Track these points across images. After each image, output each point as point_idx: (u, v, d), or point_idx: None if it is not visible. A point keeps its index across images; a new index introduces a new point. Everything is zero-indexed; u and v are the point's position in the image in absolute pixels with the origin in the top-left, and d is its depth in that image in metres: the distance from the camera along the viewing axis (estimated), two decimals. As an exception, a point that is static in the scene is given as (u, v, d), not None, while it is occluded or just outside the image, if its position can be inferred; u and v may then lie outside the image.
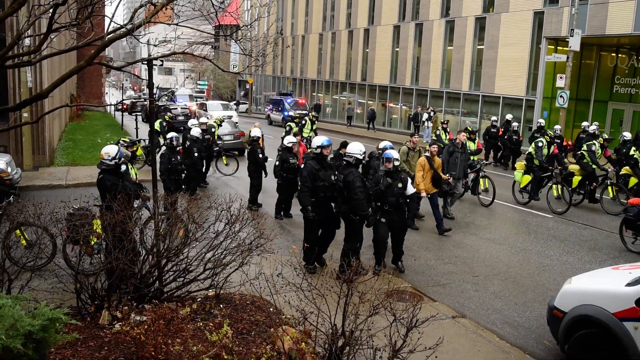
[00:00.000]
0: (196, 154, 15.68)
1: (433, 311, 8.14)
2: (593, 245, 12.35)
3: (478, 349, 7.33)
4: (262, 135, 15.92)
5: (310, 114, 25.14)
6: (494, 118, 24.77)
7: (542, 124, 22.28)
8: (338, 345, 5.28)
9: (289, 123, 22.48)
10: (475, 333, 7.80)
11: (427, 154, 12.98)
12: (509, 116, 24.46)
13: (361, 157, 9.83)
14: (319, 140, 10.01)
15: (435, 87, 35.76)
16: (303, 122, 23.56)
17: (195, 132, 16.30)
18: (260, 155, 14.62)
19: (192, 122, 18.99)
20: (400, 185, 9.76)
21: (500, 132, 23.25)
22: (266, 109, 46.04)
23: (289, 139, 14.14)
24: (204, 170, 17.52)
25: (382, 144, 12.21)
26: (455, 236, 12.66)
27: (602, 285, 7.02)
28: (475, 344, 7.47)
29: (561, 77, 24.69)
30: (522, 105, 29.37)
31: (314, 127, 23.81)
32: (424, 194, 12.34)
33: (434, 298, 9.00)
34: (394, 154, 9.98)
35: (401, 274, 9.98)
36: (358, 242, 9.78)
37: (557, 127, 21.38)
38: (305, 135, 21.39)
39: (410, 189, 9.95)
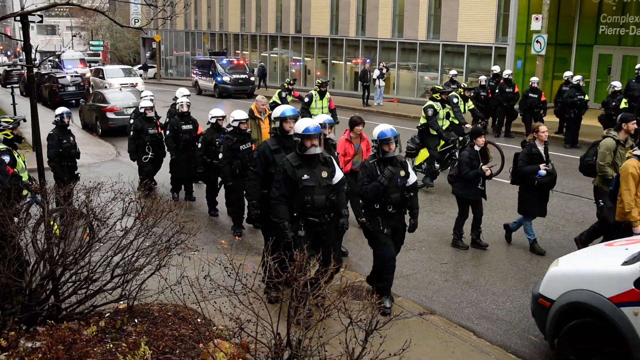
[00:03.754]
0: (167, 132, 14.64)
1: (396, 309, 8.33)
2: (582, 218, 12.77)
3: (452, 351, 7.52)
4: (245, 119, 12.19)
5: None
6: (453, 72, 24.90)
7: (507, 75, 22.58)
8: (284, 358, 5.30)
9: (310, 92, 18.12)
10: (447, 332, 7.99)
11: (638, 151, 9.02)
12: (495, 68, 24.46)
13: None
14: (278, 110, 8.89)
15: (385, 37, 35.95)
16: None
17: (145, 103, 15.11)
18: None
19: (145, 92, 17.13)
20: (403, 173, 8.42)
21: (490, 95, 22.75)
22: (193, 74, 43.67)
23: (214, 112, 13.13)
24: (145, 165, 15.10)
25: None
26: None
27: (594, 265, 7.27)
28: (449, 345, 7.65)
29: (537, 18, 25.20)
30: (491, 54, 29.87)
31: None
32: None
33: (397, 293, 9.11)
34: (388, 128, 8.40)
35: (357, 266, 10.06)
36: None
37: (534, 78, 21.94)
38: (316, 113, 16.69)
39: (413, 176, 8.66)
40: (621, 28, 28.43)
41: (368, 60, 35.57)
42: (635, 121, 10.19)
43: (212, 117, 12.89)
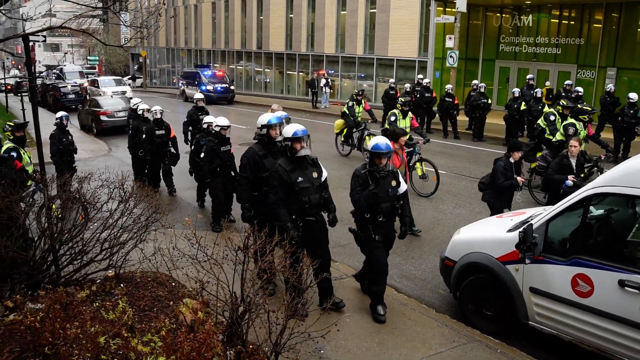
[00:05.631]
0: (144, 136, 13.55)
1: (334, 272, 8.42)
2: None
3: (377, 304, 7.65)
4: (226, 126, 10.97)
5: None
6: (391, 80, 25.26)
7: (426, 83, 22.99)
8: (239, 312, 5.36)
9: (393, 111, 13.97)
10: (374, 289, 8.10)
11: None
12: (419, 77, 24.88)
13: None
14: (265, 118, 7.94)
15: (330, 52, 36.04)
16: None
17: (142, 106, 14.19)
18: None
19: (135, 100, 15.43)
20: (394, 183, 7.19)
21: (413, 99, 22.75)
22: (180, 84, 41.40)
23: (208, 119, 11.82)
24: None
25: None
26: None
27: (487, 233, 7.50)
28: (375, 299, 7.79)
29: (450, 38, 25.50)
30: (415, 66, 30.18)
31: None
32: None
33: (335, 259, 9.17)
34: (384, 143, 7.13)
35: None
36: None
37: (449, 86, 22.27)
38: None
39: (404, 185, 7.45)
40: (516, 46, 28.97)
41: (331, 71, 35.02)
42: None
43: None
